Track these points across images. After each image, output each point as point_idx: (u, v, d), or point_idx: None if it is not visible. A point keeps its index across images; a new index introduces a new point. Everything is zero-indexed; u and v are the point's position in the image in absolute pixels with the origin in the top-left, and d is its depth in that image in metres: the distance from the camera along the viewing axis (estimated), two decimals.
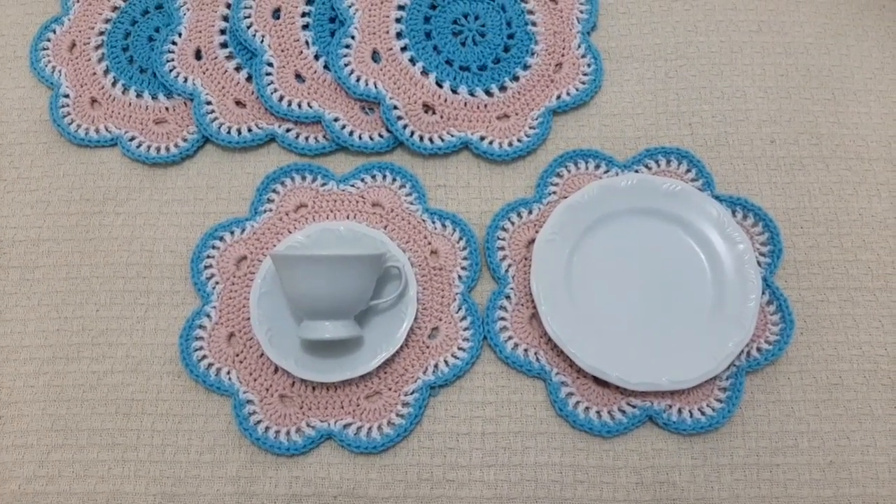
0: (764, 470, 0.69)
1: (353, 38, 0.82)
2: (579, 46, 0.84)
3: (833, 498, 0.69)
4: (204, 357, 0.73)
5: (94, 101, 0.84)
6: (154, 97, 0.83)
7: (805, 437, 0.70)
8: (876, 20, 0.86)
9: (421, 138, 0.80)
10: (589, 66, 0.84)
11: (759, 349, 0.72)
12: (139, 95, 0.83)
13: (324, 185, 0.79)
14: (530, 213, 0.77)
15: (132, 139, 0.81)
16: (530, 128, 0.81)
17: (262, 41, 0.83)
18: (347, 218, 0.77)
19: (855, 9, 0.87)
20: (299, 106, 0.80)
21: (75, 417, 0.72)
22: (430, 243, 0.76)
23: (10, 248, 0.78)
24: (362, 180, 0.79)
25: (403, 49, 0.83)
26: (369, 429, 0.70)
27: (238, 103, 0.82)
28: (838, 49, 0.85)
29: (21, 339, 0.75)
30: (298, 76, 0.82)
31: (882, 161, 0.80)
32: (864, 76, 0.84)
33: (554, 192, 0.78)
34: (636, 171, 0.79)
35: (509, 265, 0.76)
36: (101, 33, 0.86)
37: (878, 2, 0.87)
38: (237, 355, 0.73)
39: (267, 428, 0.70)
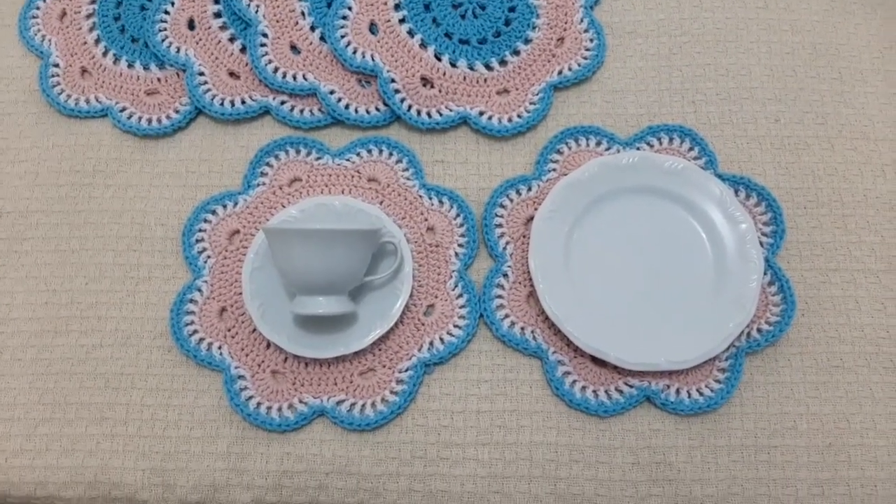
0: (762, 452, 0.69)
1: (350, 8, 0.80)
2: (582, 21, 0.82)
3: (831, 480, 0.68)
4: (195, 332, 0.72)
5: (84, 70, 0.82)
6: (146, 67, 0.81)
7: (804, 419, 0.69)
8: None
9: (419, 112, 0.78)
10: (591, 40, 0.82)
11: (759, 330, 0.71)
12: (131, 66, 0.81)
13: (318, 159, 0.78)
14: (529, 190, 0.76)
15: (123, 110, 0.80)
16: (531, 103, 0.79)
17: (257, 11, 0.81)
18: (342, 193, 0.76)
19: None
20: (294, 78, 0.79)
21: (63, 391, 0.71)
22: (426, 219, 0.75)
23: None
24: (358, 155, 0.78)
25: (402, 21, 0.81)
26: (363, 406, 0.69)
27: (232, 74, 0.80)
28: (846, 27, 0.83)
29: (9, 312, 0.74)
30: (294, 47, 0.80)
31: (888, 142, 0.78)
32: (872, 55, 0.82)
33: (554, 169, 0.77)
34: (638, 149, 0.77)
35: (507, 243, 0.74)
36: (93, 2, 0.84)
37: None
38: (229, 330, 0.72)
39: (259, 404, 0.69)
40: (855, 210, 0.76)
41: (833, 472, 0.68)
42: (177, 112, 0.79)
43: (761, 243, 0.74)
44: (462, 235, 0.75)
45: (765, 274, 0.72)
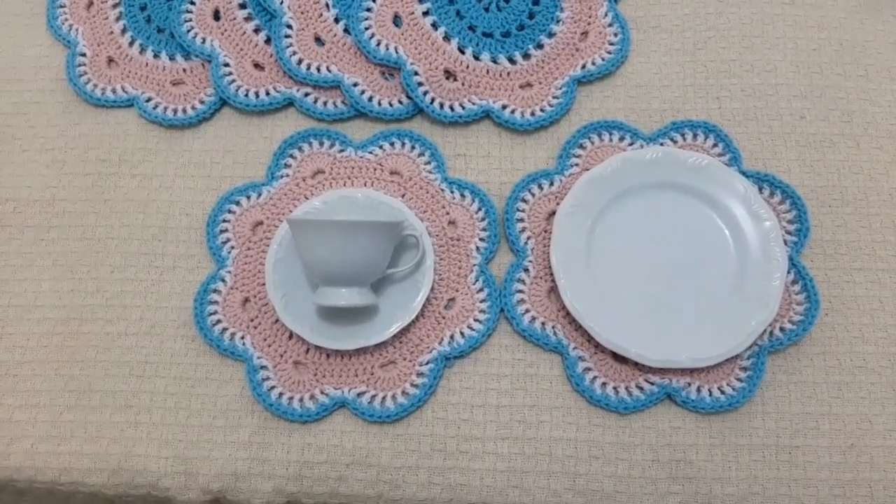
0: (783, 451, 0.68)
1: (374, 1, 0.80)
2: (606, 15, 0.82)
3: (853, 482, 0.67)
4: (218, 321, 0.72)
5: (110, 60, 0.83)
6: (171, 58, 0.82)
7: (826, 420, 0.69)
8: None
9: (441, 106, 0.78)
10: (615, 35, 0.81)
11: (782, 329, 0.70)
12: (156, 56, 0.82)
13: (341, 151, 0.78)
14: (551, 184, 0.76)
15: (149, 100, 0.80)
16: (553, 97, 0.79)
17: (282, 2, 0.81)
18: (365, 185, 0.76)
19: None
20: (318, 70, 0.79)
21: (88, 378, 0.72)
22: (448, 213, 0.75)
23: (25, 207, 0.78)
24: (381, 147, 0.78)
25: (425, 13, 0.81)
26: (383, 398, 0.70)
27: (256, 66, 0.81)
28: (873, 24, 0.82)
29: (35, 299, 0.75)
30: (318, 39, 0.81)
31: None
32: None
33: (576, 164, 0.77)
34: (661, 145, 0.77)
35: (528, 237, 0.74)
36: None
37: None
38: (252, 320, 0.72)
39: (280, 394, 0.70)
40: (880, 209, 0.75)
41: (855, 474, 0.68)
42: (202, 103, 0.80)
43: (785, 241, 0.73)
44: (483, 229, 0.75)
45: (788, 272, 0.72)
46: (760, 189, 0.75)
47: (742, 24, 0.82)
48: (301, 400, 0.70)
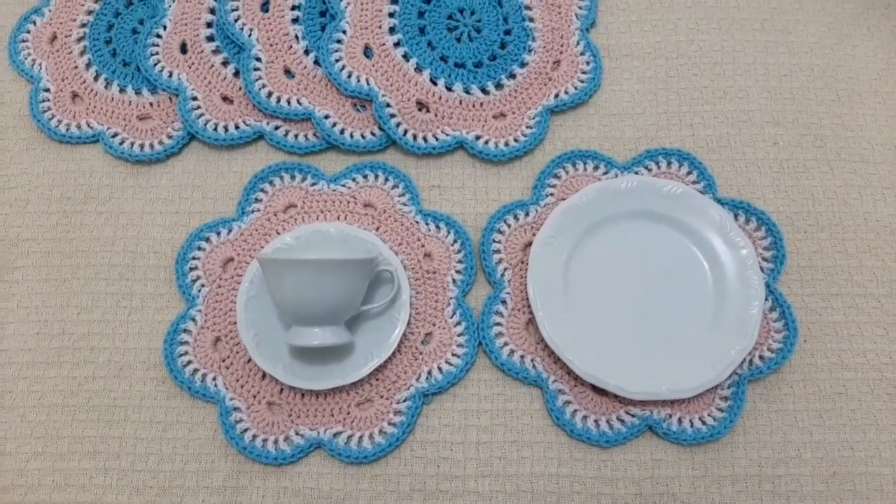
0: (766, 481, 0.68)
1: (344, 32, 0.80)
2: (578, 43, 0.82)
3: None
4: (189, 362, 0.70)
5: (75, 95, 0.81)
6: (138, 92, 0.80)
7: (808, 448, 0.69)
8: (881, 19, 0.84)
9: (414, 137, 0.77)
10: (588, 63, 0.81)
11: (761, 357, 0.70)
12: (122, 90, 0.80)
13: (314, 184, 0.77)
14: (527, 215, 0.75)
15: (115, 136, 0.78)
16: (527, 127, 0.79)
17: (251, 35, 0.80)
18: (338, 219, 0.75)
19: (860, 7, 0.85)
20: (288, 102, 0.78)
21: (55, 424, 0.70)
22: (423, 246, 0.74)
23: None
24: (354, 180, 0.77)
25: (397, 45, 0.80)
26: (360, 438, 0.68)
27: (225, 99, 0.79)
28: (843, 49, 0.83)
29: None
30: (288, 72, 0.80)
31: (887, 164, 0.78)
32: (870, 77, 0.82)
33: (551, 194, 0.76)
34: (636, 173, 0.76)
35: (505, 269, 0.73)
36: (84, 25, 0.83)
37: (883, 0, 0.85)
38: (223, 361, 0.70)
39: (254, 436, 0.68)
40: (855, 234, 0.75)
41: (838, 502, 0.67)
42: (169, 137, 0.78)
43: (762, 268, 0.73)
44: (459, 262, 0.74)
45: (766, 300, 0.72)
46: (736, 216, 0.75)
47: (713, 50, 0.82)
48: (276, 442, 0.68)
